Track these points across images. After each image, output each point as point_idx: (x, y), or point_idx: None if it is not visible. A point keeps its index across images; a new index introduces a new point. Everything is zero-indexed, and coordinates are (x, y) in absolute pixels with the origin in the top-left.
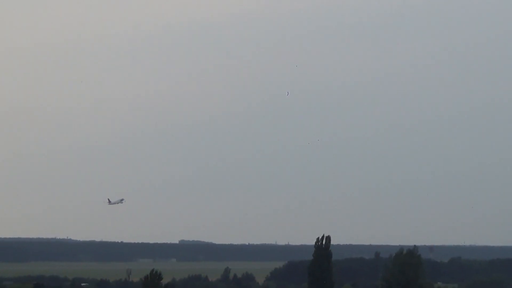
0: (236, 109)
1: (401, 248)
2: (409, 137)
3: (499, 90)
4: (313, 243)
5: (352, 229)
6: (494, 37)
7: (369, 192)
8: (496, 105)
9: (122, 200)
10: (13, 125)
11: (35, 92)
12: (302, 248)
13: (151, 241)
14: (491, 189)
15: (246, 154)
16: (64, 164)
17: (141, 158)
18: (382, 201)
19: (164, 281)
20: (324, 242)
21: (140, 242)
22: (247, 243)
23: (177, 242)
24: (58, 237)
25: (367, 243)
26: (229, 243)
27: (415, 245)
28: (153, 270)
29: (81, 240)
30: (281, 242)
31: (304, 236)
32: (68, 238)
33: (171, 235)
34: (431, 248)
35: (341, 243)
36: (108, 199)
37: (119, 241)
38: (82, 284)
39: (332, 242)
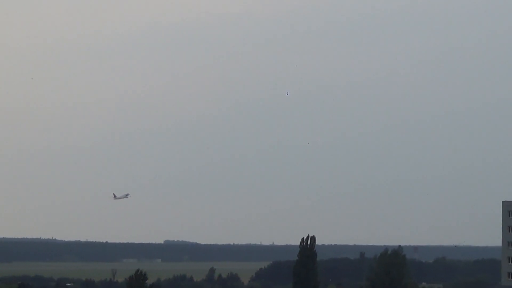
0: (224, 109)
1: (385, 248)
2: (392, 138)
3: (482, 92)
4: (298, 243)
5: (337, 229)
6: (494, 36)
7: (354, 192)
8: (487, 105)
9: (127, 195)
10: None
11: (30, 89)
12: (287, 248)
13: (136, 241)
14: (475, 190)
15: (230, 155)
16: (48, 164)
17: (126, 158)
18: (367, 202)
19: (149, 281)
20: (309, 242)
21: (125, 242)
22: (232, 243)
23: (162, 242)
24: (42, 237)
25: (351, 243)
26: (214, 243)
27: (399, 245)
28: (138, 270)
29: (66, 240)
30: (266, 242)
31: (289, 236)
32: (53, 238)
33: (156, 235)
34: (415, 248)
35: (326, 243)
36: (114, 194)
37: (104, 241)
38: (67, 284)
39: (317, 242)
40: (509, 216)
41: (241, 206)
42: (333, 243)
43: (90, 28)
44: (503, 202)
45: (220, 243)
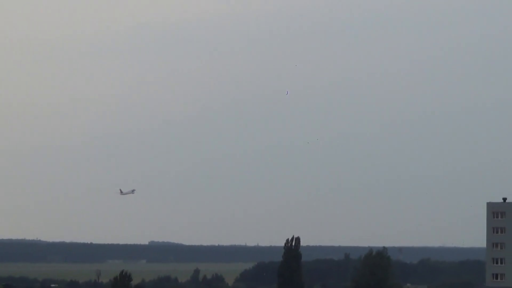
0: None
1: (370, 249)
2: (377, 140)
3: (467, 94)
4: (283, 244)
5: (321, 230)
6: (493, 36)
7: (339, 193)
8: (471, 108)
9: (133, 190)
10: None
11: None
12: (272, 249)
13: (121, 242)
14: (460, 191)
15: (215, 156)
16: (32, 164)
17: (112, 160)
18: (351, 202)
19: (134, 282)
20: (293, 243)
21: (109, 243)
22: (217, 244)
23: (147, 243)
24: (27, 238)
25: (336, 244)
26: (199, 244)
27: (384, 247)
28: (122, 271)
29: (50, 241)
30: (251, 243)
31: (273, 237)
32: (38, 239)
33: (141, 236)
34: (400, 250)
35: (311, 244)
36: (120, 189)
37: (89, 242)
38: (52, 285)
39: (301, 243)
40: (494, 217)
41: (226, 207)
42: (318, 244)
43: (90, 26)
44: (487, 203)
45: (205, 244)
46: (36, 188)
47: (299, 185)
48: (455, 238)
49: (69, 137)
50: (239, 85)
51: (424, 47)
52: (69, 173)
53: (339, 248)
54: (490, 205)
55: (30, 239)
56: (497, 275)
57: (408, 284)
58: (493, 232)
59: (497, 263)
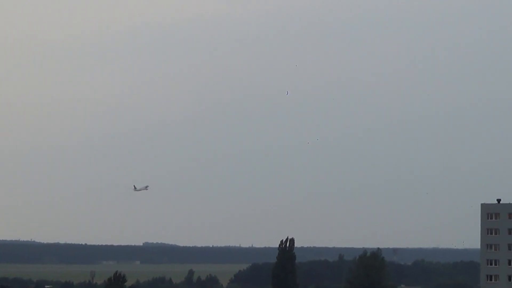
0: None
1: (364, 250)
2: (371, 141)
3: (462, 96)
4: (277, 246)
5: (316, 231)
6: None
7: (333, 194)
8: (466, 109)
9: (147, 186)
10: None
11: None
12: (266, 250)
13: (115, 243)
14: (454, 192)
15: (209, 158)
16: (26, 165)
17: (105, 161)
18: (346, 204)
19: (128, 283)
20: (288, 245)
21: (104, 244)
22: (211, 246)
23: (141, 244)
24: (21, 239)
25: (330, 245)
26: (193, 245)
27: (378, 248)
28: (116, 272)
29: (45, 242)
30: (245, 244)
31: (268, 238)
32: (32, 240)
33: (135, 237)
34: (394, 251)
35: (305, 245)
36: (134, 186)
37: (83, 243)
38: (46, 286)
39: (296, 245)
40: (488, 218)
41: (220, 208)
42: (312, 245)
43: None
44: (481, 204)
45: (199, 245)
46: (30, 190)
47: (293, 186)
48: (449, 239)
49: (63, 139)
50: (239, 85)
51: (424, 47)
52: (64, 174)
53: (333, 249)
54: (484, 207)
55: (25, 240)
56: (491, 276)
57: (402, 285)
58: (487, 234)
59: (491, 264)
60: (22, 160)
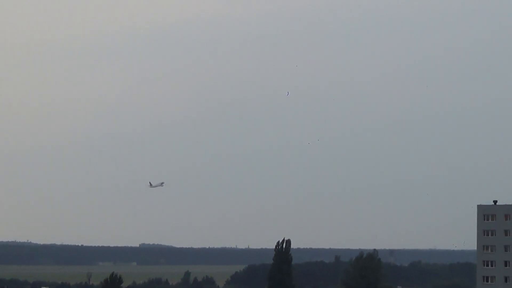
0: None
1: (361, 252)
2: (368, 142)
3: (458, 97)
4: (273, 247)
5: (312, 232)
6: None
7: (329, 196)
8: (462, 110)
9: (162, 183)
10: None
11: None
12: (262, 251)
13: (112, 245)
14: (451, 194)
15: (205, 159)
16: (22, 166)
17: (101, 162)
18: (342, 205)
19: (125, 284)
20: (284, 246)
21: (100, 245)
22: (208, 247)
23: (138, 245)
24: (18, 240)
25: (327, 246)
26: (190, 246)
27: (375, 249)
28: (113, 273)
29: (41, 243)
30: (241, 245)
31: (264, 239)
32: (28, 241)
33: (132, 239)
34: (391, 252)
35: (301, 246)
36: (150, 182)
37: (80, 245)
38: (43, 287)
39: (292, 246)
40: (484, 219)
41: (217, 209)
42: (308, 247)
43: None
44: (478, 205)
45: (195, 246)
46: (26, 191)
47: (290, 187)
48: (446, 240)
49: (59, 139)
50: (239, 85)
51: (424, 47)
52: (60, 176)
53: (330, 251)
54: (480, 208)
55: (21, 241)
56: (487, 277)
57: (399, 287)
58: (484, 235)
59: (487, 265)
60: (18, 160)
